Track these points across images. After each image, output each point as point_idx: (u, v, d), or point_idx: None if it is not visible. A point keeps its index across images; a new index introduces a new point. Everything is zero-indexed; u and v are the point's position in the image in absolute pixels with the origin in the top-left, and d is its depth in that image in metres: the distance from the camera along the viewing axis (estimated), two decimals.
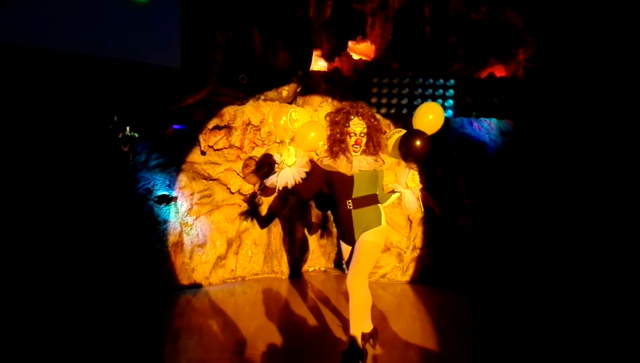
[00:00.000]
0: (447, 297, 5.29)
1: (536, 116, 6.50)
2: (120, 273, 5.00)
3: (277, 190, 3.45)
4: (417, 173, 3.40)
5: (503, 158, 6.27)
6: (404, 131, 3.43)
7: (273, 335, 4.04)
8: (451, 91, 7.14)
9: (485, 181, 6.15)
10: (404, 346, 3.86)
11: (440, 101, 7.13)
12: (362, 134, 3.30)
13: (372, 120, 3.35)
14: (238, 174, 5.86)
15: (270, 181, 3.42)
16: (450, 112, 7.10)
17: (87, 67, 4.50)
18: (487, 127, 6.48)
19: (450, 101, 7.13)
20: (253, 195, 5.87)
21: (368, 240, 3.31)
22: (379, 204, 3.42)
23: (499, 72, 7.44)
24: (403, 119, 6.58)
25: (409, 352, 3.76)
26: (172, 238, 5.41)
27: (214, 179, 5.80)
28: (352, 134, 3.29)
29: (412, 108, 7.18)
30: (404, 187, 3.42)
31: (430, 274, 5.89)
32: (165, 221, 5.43)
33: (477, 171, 6.15)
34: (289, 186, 3.38)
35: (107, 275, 4.92)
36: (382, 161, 3.41)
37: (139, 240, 5.22)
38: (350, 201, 3.34)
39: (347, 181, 3.34)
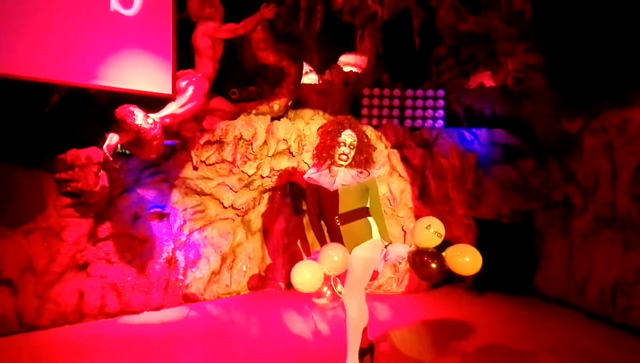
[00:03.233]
0: (443, 308, 5.29)
1: (527, 124, 6.55)
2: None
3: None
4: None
5: (494, 167, 6.30)
6: (439, 239, 3.16)
7: (269, 350, 4.01)
8: (441, 102, 7.21)
9: (477, 191, 6.17)
10: (402, 359, 3.85)
11: (430, 111, 7.19)
12: (352, 146, 3.31)
13: (364, 137, 3.38)
14: (231, 188, 5.85)
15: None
16: (440, 122, 7.15)
17: (79, 93, 4.59)
18: (478, 137, 6.52)
19: (441, 112, 7.18)
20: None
21: (360, 254, 3.29)
22: (368, 218, 3.35)
23: (488, 81, 7.52)
24: (394, 130, 6.61)
25: None
26: (165, 255, 5.37)
27: (207, 194, 5.78)
28: (342, 144, 3.29)
29: (403, 120, 7.23)
30: (398, 259, 3.39)
31: (426, 285, 5.89)
32: (159, 238, 5.38)
33: (468, 181, 6.18)
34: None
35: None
36: (368, 173, 3.34)
37: (132, 257, 5.17)
38: (337, 217, 3.33)
39: (332, 197, 3.32)
